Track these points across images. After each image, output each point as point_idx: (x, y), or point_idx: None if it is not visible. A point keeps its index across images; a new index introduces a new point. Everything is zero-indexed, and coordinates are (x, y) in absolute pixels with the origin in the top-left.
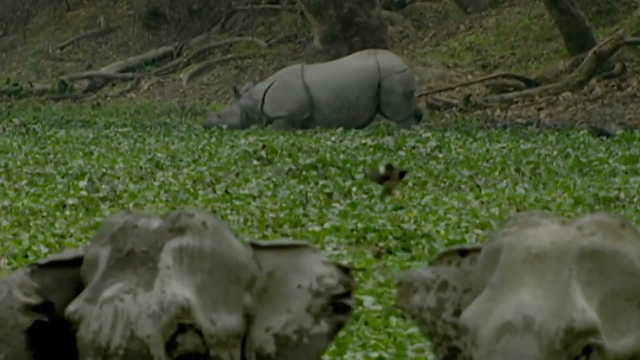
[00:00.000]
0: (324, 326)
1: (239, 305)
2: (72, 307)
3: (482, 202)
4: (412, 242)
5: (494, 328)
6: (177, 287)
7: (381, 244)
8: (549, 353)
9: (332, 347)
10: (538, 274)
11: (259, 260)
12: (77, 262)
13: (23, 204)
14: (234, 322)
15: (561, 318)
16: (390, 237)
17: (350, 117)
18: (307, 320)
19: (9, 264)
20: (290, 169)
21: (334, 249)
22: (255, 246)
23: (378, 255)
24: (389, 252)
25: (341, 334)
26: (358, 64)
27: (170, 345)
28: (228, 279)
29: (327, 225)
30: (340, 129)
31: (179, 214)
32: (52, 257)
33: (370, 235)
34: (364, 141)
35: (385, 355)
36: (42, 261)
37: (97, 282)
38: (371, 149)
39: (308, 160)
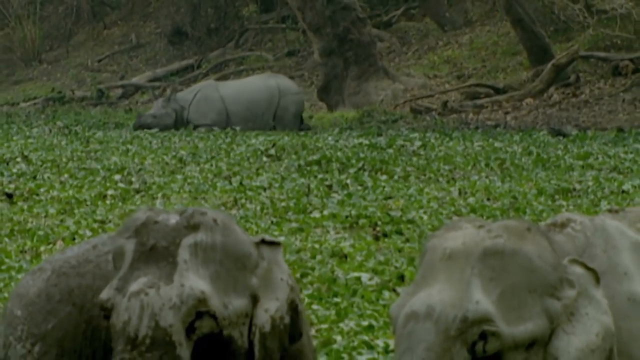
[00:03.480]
0: (286, 320)
1: (246, 289)
2: (104, 296)
3: (463, 193)
4: (401, 226)
5: (404, 316)
6: (193, 280)
7: (378, 229)
8: (444, 338)
9: (332, 316)
10: (449, 271)
11: (263, 252)
12: None
13: (68, 195)
14: (242, 304)
15: (459, 309)
16: (379, 222)
17: (255, 129)
18: (285, 310)
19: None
20: (300, 165)
21: (337, 233)
22: (263, 241)
23: (376, 238)
24: (385, 235)
25: (343, 305)
26: (262, 84)
27: (189, 330)
28: (236, 267)
29: (326, 212)
30: (336, 130)
31: (193, 212)
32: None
33: (362, 221)
34: (359, 141)
35: (374, 323)
36: None
37: (125, 273)
38: (366, 147)
39: (313, 157)
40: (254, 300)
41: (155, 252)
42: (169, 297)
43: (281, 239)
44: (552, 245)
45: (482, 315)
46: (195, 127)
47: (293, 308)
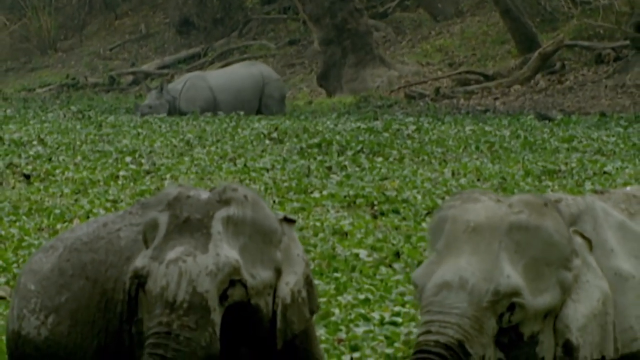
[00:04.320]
0: (304, 293)
1: (272, 262)
2: (139, 264)
3: (455, 174)
4: (397, 205)
5: (434, 285)
6: (227, 250)
7: (375, 208)
8: (477, 308)
9: (332, 291)
10: (474, 243)
11: (284, 228)
12: None
13: (82, 175)
14: (268, 275)
15: (490, 282)
16: (376, 202)
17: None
18: (302, 284)
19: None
20: (301, 148)
21: (337, 212)
22: (285, 219)
23: (374, 217)
24: (382, 214)
25: (342, 279)
26: (246, 72)
27: (222, 297)
28: (264, 241)
29: (325, 192)
30: (335, 114)
31: (224, 188)
32: None
33: (360, 201)
34: (356, 125)
35: (371, 297)
36: None
37: (159, 243)
38: (363, 131)
39: (314, 140)
40: (278, 273)
41: (189, 223)
42: (205, 264)
43: None
44: (563, 219)
45: (513, 289)
46: (202, 112)
47: (308, 282)
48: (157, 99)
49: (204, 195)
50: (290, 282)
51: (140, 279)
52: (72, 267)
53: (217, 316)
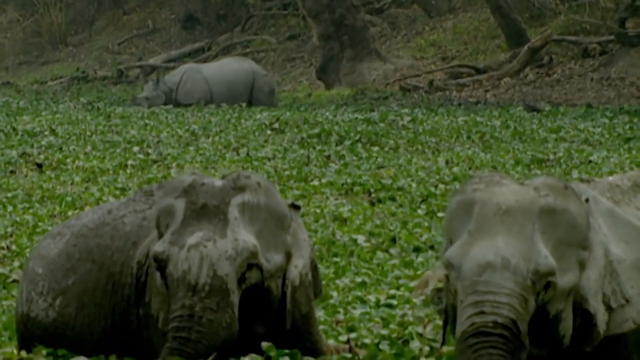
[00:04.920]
0: (310, 276)
1: (283, 246)
2: (159, 248)
3: (449, 163)
4: (393, 193)
5: (477, 265)
6: (245, 235)
7: (373, 195)
8: (522, 287)
9: (331, 274)
10: (507, 225)
11: (292, 214)
12: None
13: (92, 164)
14: (280, 259)
15: (529, 262)
16: (372, 189)
17: None
18: (308, 267)
19: None
20: (302, 138)
21: (336, 199)
22: (292, 205)
23: (372, 204)
24: (379, 201)
25: (341, 263)
26: (239, 67)
27: (241, 280)
28: (276, 226)
29: (324, 180)
30: (333, 106)
31: (238, 176)
32: None
33: (357, 188)
34: (354, 116)
35: (368, 280)
36: None
37: (177, 228)
38: (360, 122)
39: (314, 131)
40: (288, 256)
41: (206, 210)
42: (225, 249)
43: None
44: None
45: (550, 269)
46: (206, 104)
47: (314, 266)
48: (153, 90)
49: (218, 182)
50: (298, 265)
51: (160, 263)
52: (78, 252)
53: (235, 298)
